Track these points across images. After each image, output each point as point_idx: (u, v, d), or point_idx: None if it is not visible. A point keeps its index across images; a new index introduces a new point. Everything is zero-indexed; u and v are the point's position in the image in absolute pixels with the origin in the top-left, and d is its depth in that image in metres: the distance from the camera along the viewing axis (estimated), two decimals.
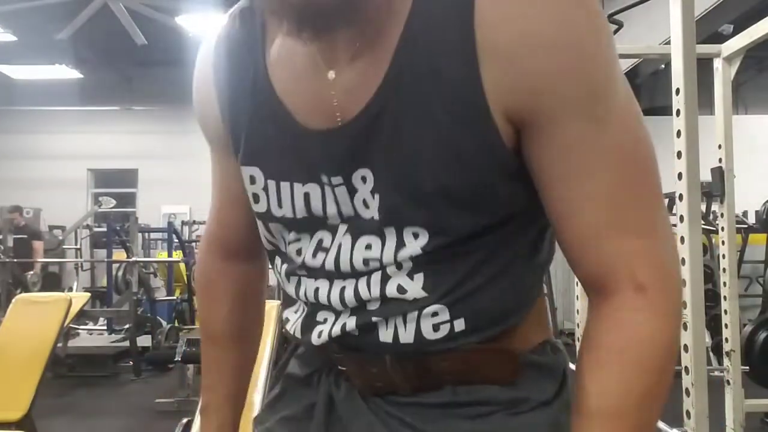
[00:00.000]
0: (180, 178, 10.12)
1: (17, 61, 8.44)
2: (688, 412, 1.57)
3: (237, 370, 0.82)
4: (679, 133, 1.60)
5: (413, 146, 0.55)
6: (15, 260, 5.75)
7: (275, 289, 5.63)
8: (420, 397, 0.63)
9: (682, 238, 1.60)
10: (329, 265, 0.63)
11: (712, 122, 2.50)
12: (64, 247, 8.43)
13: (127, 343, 5.33)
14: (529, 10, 0.51)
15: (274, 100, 0.61)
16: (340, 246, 0.62)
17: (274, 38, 0.62)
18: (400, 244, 0.59)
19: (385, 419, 0.64)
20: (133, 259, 5.44)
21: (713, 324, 4.18)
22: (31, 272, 6.11)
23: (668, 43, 1.65)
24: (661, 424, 1.69)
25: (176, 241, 6.93)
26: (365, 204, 0.59)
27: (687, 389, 1.58)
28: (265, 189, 0.64)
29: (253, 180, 0.65)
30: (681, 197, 1.60)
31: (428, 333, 0.60)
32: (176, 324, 5.92)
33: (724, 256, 2.55)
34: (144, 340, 5.41)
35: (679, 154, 1.59)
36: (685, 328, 1.59)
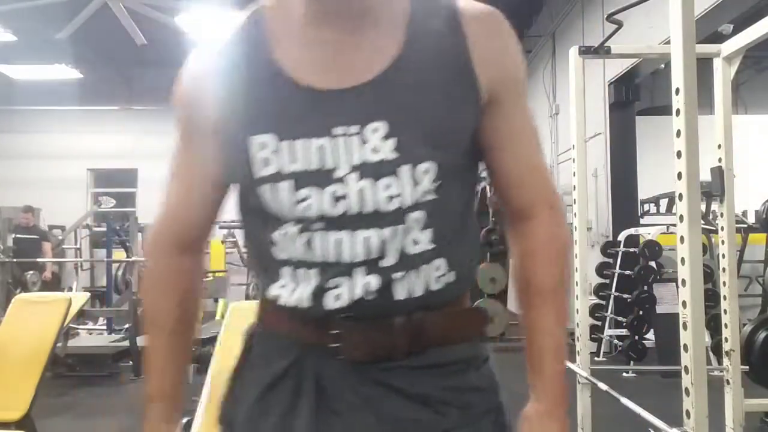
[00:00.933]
0: None
1: (17, 60, 8.44)
2: (687, 412, 1.57)
3: (182, 358, 0.90)
4: (678, 133, 1.59)
5: (421, 102, 0.73)
6: (15, 260, 5.75)
7: None
8: (408, 361, 0.75)
9: (682, 238, 1.59)
10: (354, 208, 0.71)
11: (712, 122, 2.51)
12: (63, 246, 8.44)
13: (126, 343, 5.33)
14: (504, 31, 0.79)
15: (287, 78, 0.73)
16: (361, 192, 0.71)
17: (277, 37, 0.75)
18: (416, 180, 0.72)
19: (374, 388, 0.74)
20: (133, 258, 5.44)
21: (713, 324, 4.18)
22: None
23: (668, 42, 1.65)
24: (661, 424, 1.69)
25: None
26: (374, 150, 0.71)
27: (687, 389, 1.58)
28: (277, 151, 0.72)
29: (263, 146, 0.73)
30: (681, 197, 1.60)
31: (432, 284, 0.75)
32: None
33: (723, 256, 2.56)
34: (144, 340, 5.41)
35: (678, 154, 1.59)
36: (685, 328, 1.58)
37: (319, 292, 0.73)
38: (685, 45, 1.58)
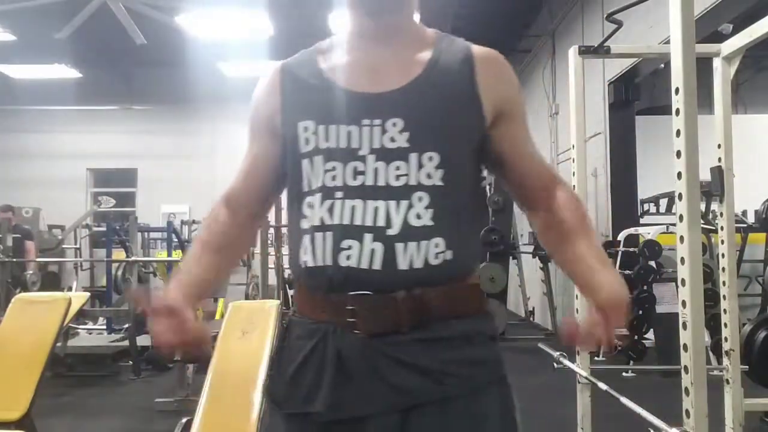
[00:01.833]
0: (179, 177, 10.12)
1: (17, 60, 8.44)
2: (687, 412, 1.57)
3: (213, 268, 1.07)
4: (678, 133, 1.59)
5: (434, 106, 0.95)
6: (14, 260, 5.74)
7: (274, 288, 5.64)
8: (414, 335, 0.90)
9: (682, 238, 1.59)
10: (369, 182, 0.91)
11: (712, 121, 2.50)
12: (63, 246, 8.43)
13: (126, 343, 5.33)
14: (505, 70, 1.04)
15: (329, 81, 0.98)
16: (376, 170, 0.92)
17: (327, 57, 1.01)
18: (421, 164, 0.92)
19: (382, 360, 0.89)
20: (133, 258, 5.43)
21: (713, 323, 4.19)
22: (30, 272, 6.10)
23: (668, 42, 1.65)
24: (660, 424, 1.69)
25: (175, 240, 6.93)
26: (392, 139, 0.92)
27: (686, 388, 1.58)
28: (315, 132, 0.95)
29: (306, 128, 0.96)
30: (680, 196, 1.60)
31: (432, 259, 0.90)
32: None
33: (723, 256, 2.55)
34: (143, 340, 5.41)
35: (678, 154, 1.59)
36: (685, 328, 1.59)
37: (336, 251, 0.90)
38: (685, 45, 1.58)
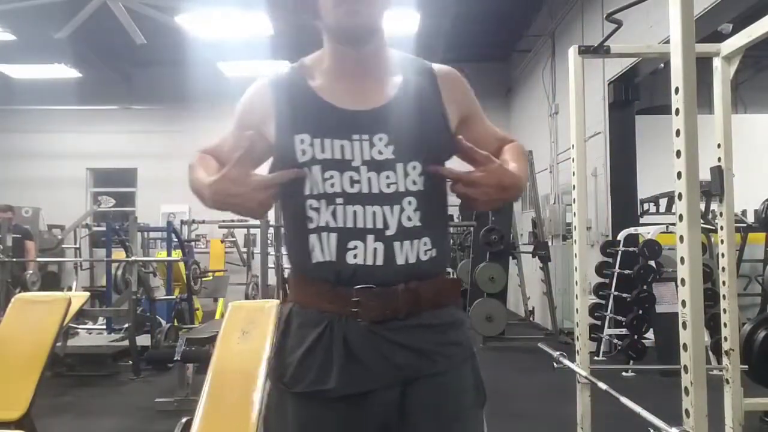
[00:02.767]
0: (179, 177, 9.95)
1: (16, 60, 8.43)
2: (687, 411, 1.57)
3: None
4: (678, 132, 1.59)
5: (412, 122, 1.09)
6: (14, 260, 5.74)
7: (274, 288, 5.64)
8: (409, 321, 1.06)
9: (681, 237, 1.59)
10: (365, 189, 1.04)
11: (712, 121, 2.51)
12: (63, 246, 8.43)
13: (126, 343, 5.33)
14: (461, 82, 1.21)
15: (321, 99, 1.11)
16: (369, 179, 1.05)
17: (314, 76, 1.14)
18: (407, 173, 1.06)
19: (384, 343, 1.05)
20: (133, 258, 5.43)
21: (712, 323, 4.19)
22: (30, 272, 6.10)
23: (667, 42, 1.65)
24: (660, 423, 1.69)
25: (175, 240, 6.92)
26: (380, 152, 1.06)
27: (686, 388, 1.58)
28: (312, 144, 1.06)
29: (302, 141, 1.06)
30: (680, 196, 1.60)
31: (422, 255, 1.06)
32: (175, 323, 5.92)
33: (723, 255, 2.56)
34: (143, 340, 5.41)
35: (678, 153, 1.59)
36: (684, 327, 1.59)
37: (343, 250, 1.04)
38: (685, 44, 1.58)
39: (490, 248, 6.51)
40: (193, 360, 4.02)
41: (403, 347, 1.05)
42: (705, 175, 2.05)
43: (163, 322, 5.76)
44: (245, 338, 2.74)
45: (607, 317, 5.56)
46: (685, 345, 1.58)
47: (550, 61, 7.66)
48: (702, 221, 2.74)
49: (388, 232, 1.04)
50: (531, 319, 7.95)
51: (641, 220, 6.45)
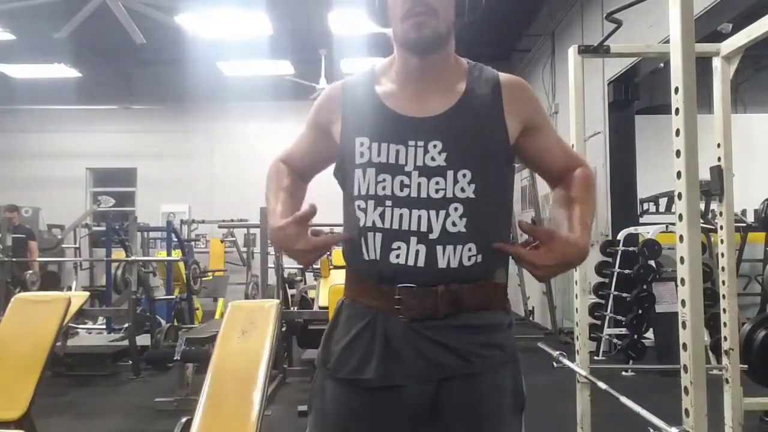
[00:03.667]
0: (179, 177, 10.12)
1: (16, 59, 8.43)
2: (686, 411, 1.57)
3: (293, 208, 1.23)
4: (678, 132, 1.59)
5: (467, 131, 1.13)
6: (14, 259, 5.73)
7: (274, 288, 5.64)
8: (447, 321, 1.09)
9: (681, 237, 1.59)
10: (413, 194, 1.09)
11: (711, 121, 2.50)
12: (63, 246, 8.43)
13: (126, 342, 5.33)
14: (526, 92, 1.23)
15: (383, 105, 1.17)
16: (419, 184, 1.10)
17: (381, 82, 1.21)
18: (456, 180, 1.10)
19: (422, 340, 1.09)
20: (132, 258, 5.43)
21: (712, 323, 4.19)
22: (30, 272, 6.10)
23: (667, 41, 1.65)
24: (660, 423, 1.69)
25: (175, 240, 6.92)
26: (432, 158, 1.10)
27: (686, 388, 1.58)
28: (369, 147, 1.13)
29: (362, 144, 1.14)
30: (680, 196, 1.60)
31: (465, 261, 1.09)
32: (175, 323, 5.92)
33: (722, 255, 2.55)
34: (143, 339, 5.40)
35: (678, 153, 1.59)
36: (684, 327, 1.58)
37: (387, 250, 1.09)
38: (685, 44, 1.58)
39: None
40: (193, 360, 4.01)
41: (440, 346, 1.09)
42: (705, 174, 2.05)
43: (163, 322, 5.76)
44: (245, 338, 2.74)
45: (607, 317, 5.56)
46: (684, 345, 1.58)
47: (549, 61, 7.66)
48: (702, 221, 2.74)
49: (432, 236, 1.08)
50: (531, 318, 7.95)
51: (641, 220, 6.46)
